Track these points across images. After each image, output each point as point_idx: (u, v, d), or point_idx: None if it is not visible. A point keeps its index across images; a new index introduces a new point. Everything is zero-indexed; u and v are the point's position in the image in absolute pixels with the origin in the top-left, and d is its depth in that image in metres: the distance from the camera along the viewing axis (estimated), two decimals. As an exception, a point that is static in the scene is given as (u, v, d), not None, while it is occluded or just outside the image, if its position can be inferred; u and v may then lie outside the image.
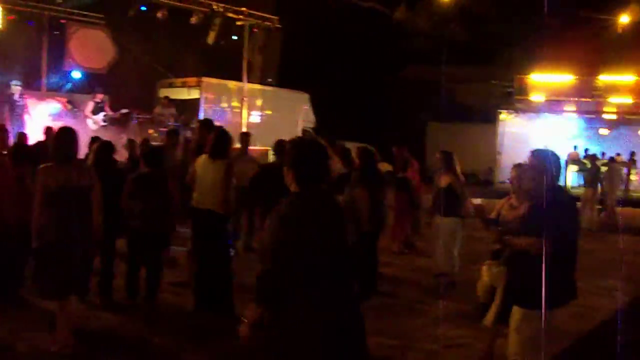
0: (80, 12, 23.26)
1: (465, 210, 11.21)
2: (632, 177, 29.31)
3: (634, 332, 8.89)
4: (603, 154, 30.51)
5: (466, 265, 13.35)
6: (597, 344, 8.21)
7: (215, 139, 9.14)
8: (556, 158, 6.15)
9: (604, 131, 34.26)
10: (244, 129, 21.00)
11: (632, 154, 30.95)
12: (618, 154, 30.06)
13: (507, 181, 10.59)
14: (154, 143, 16.17)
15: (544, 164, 5.95)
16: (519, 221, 6.18)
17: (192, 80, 24.21)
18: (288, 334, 4.31)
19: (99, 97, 20.81)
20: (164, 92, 23.66)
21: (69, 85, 23.87)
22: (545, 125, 33.59)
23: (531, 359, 5.89)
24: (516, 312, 5.98)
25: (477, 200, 6.43)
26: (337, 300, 4.33)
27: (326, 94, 30.98)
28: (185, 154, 13.15)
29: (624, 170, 28.03)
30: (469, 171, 35.64)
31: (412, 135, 32.50)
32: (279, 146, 10.82)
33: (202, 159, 9.07)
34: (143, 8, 22.67)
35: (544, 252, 5.63)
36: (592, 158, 24.03)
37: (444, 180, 11.25)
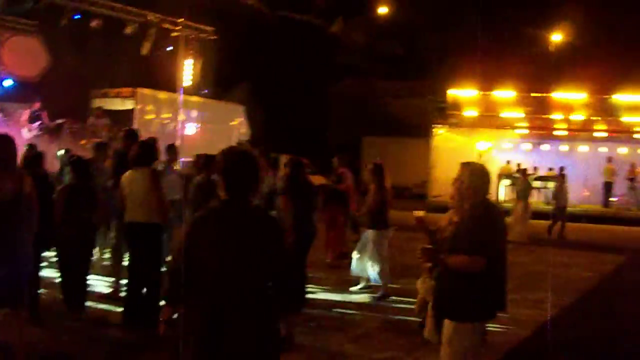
0: (14, 19, 22.84)
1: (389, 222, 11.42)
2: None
3: (562, 342, 9.08)
4: (535, 168, 31.13)
5: (397, 278, 13.52)
6: (526, 356, 8.32)
7: (137, 149, 9.07)
8: (484, 171, 6.15)
9: (537, 146, 34.88)
10: (178, 141, 20.87)
11: (562, 169, 31.54)
12: (535, 168, 30.75)
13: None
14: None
15: (471, 177, 5.95)
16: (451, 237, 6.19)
17: (126, 90, 23.98)
18: (185, 334, 4.38)
19: (36, 105, 20.45)
20: (97, 103, 23.41)
21: (0, 93, 23.40)
22: (479, 139, 34.11)
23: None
24: (447, 325, 5.93)
25: (420, 212, 6.38)
26: (236, 310, 4.34)
27: (261, 106, 30.96)
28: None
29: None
30: (403, 185, 36.07)
31: (348, 150, 32.61)
32: (202, 159, 10.82)
33: (127, 172, 8.96)
34: (77, 17, 22.37)
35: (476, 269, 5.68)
36: (523, 172, 24.40)
37: (371, 192, 11.39)
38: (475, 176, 5.95)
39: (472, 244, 5.70)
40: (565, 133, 33.15)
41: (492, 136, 34.18)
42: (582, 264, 16.62)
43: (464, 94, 31.88)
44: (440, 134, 33.53)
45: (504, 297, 6.04)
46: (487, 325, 6.20)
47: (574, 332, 9.95)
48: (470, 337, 5.86)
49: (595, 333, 10.01)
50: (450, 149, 34.23)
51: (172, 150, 13.45)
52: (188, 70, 26.03)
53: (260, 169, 4.90)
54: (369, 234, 11.49)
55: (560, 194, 21.67)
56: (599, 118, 31.36)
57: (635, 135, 32.74)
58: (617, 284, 14.86)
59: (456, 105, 31.35)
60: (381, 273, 11.20)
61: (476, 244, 5.69)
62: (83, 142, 20.61)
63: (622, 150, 33.66)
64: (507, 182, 29.47)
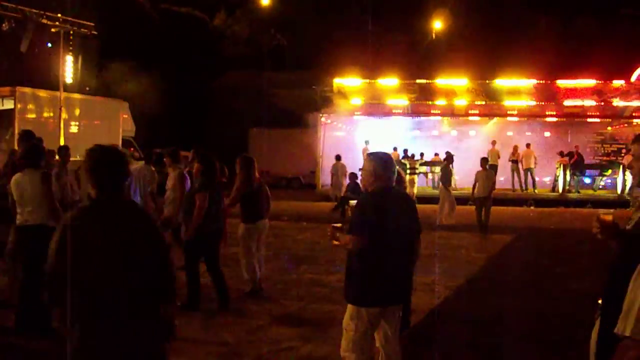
0: None
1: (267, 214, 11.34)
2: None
3: (454, 325, 9.23)
4: (421, 154, 31.62)
5: (291, 267, 13.51)
6: (420, 339, 8.41)
7: (24, 151, 8.83)
8: (387, 160, 6.20)
9: (425, 132, 35.45)
10: (62, 140, 20.27)
11: (448, 153, 32.10)
12: (422, 153, 31.34)
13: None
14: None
15: (374, 165, 6.07)
16: None
17: (5, 89, 23.10)
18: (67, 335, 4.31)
19: None
20: (-25, 103, 22.52)
21: None
22: (366, 128, 34.43)
23: (360, 356, 5.92)
24: (348, 309, 6.00)
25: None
26: (115, 307, 4.27)
27: (146, 101, 30.45)
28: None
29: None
30: (292, 175, 36.10)
31: (234, 142, 32.43)
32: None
33: (16, 175, 8.65)
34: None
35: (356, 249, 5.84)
36: (411, 158, 24.74)
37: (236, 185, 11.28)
38: (377, 164, 6.07)
39: (352, 223, 5.97)
40: (450, 118, 33.73)
41: (378, 124, 34.56)
42: (472, 245, 17.00)
43: (349, 82, 32.03)
44: (328, 123, 33.65)
45: (397, 285, 6.05)
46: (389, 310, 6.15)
47: (464, 313, 10.20)
48: (366, 322, 5.89)
49: (484, 312, 10.23)
50: (338, 138, 34.50)
51: (63, 151, 13.18)
52: (69, 67, 25.28)
53: (127, 163, 4.81)
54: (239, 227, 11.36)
55: (446, 177, 22.01)
56: (483, 102, 31.98)
57: (516, 118, 33.68)
58: (504, 263, 15.31)
59: (342, 94, 31.45)
60: (247, 267, 11.01)
61: (355, 223, 5.93)
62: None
63: (508, 133, 34.61)
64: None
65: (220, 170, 10.50)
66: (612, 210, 4.52)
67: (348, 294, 6.04)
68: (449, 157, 23.08)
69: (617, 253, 4.08)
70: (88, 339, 4.23)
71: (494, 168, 26.47)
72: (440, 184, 23.13)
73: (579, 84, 31.46)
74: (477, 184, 19.40)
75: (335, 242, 6.11)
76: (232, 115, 37.73)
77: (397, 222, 6.00)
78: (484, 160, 19.97)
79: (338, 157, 28.48)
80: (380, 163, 6.09)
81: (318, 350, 7.93)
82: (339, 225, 6.18)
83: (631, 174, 3.92)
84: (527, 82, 31.78)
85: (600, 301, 3.77)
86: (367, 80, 32.21)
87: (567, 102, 31.62)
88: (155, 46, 35.11)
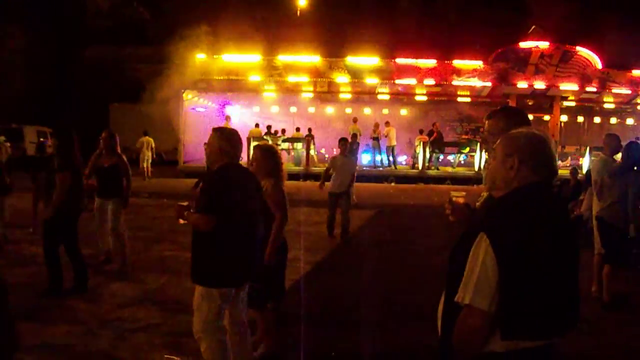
0: None
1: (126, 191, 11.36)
2: (312, 153, 30.67)
3: (317, 299, 9.29)
4: (283, 130, 31.80)
5: (151, 245, 13.31)
6: (280, 315, 8.42)
7: None
8: (233, 135, 6.13)
9: (285, 109, 35.56)
10: None
11: (309, 130, 32.45)
12: (283, 130, 31.60)
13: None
14: None
15: (220, 141, 6.00)
16: None
17: None
18: None
19: None
20: None
21: None
22: (228, 104, 34.26)
23: (213, 336, 5.86)
24: (196, 289, 5.90)
25: None
26: None
27: (3, 75, 29.29)
28: None
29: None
30: (155, 152, 35.45)
31: (95, 118, 31.66)
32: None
33: None
34: None
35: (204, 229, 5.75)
36: (274, 135, 24.70)
37: (107, 162, 11.07)
38: (223, 140, 6.00)
39: (201, 202, 5.81)
40: (311, 95, 33.91)
41: (240, 100, 34.45)
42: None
43: (212, 58, 31.69)
44: (190, 99, 33.29)
45: (248, 263, 6.01)
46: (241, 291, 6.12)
47: (325, 287, 10.32)
48: (215, 302, 5.81)
49: (343, 285, 10.47)
50: (201, 114, 34.18)
51: None
52: None
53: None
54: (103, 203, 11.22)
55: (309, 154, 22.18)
56: (346, 80, 32.28)
57: (379, 97, 34.20)
58: (365, 238, 15.56)
59: (205, 71, 31.10)
60: (101, 238, 11.07)
61: (204, 202, 5.78)
62: None
63: (367, 110, 35.16)
64: (254, 143, 29.84)
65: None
66: (463, 193, 4.65)
67: (197, 274, 5.90)
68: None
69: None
70: None
71: (356, 146, 26.88)
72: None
73: (435, 64, 32.22)
74: (332, 174, 15.41)
75: (182, 221, 5.96)
76: (92, 90, 36.76)
77: (246, 200, 5.97)
78: (342, 143, 15.77)
79: (145, 133, 29.75)
80: (227, 138, 6.04)
81: (181, 327, 7.80)
82: (185, 203, 5.99)
83: (485, 150, 4.07)
84: (390, 61, 32.29)
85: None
86: (230, 57, 31.96)
87: (427, 81, 32.27)
88: (9, 17, 33.73)
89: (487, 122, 4.66)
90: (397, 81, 32.21)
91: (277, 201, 6.86)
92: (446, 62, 32.24)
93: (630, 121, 37.37)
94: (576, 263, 3.37)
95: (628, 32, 35.10)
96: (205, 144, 6.14)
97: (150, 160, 29.38)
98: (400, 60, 32.28)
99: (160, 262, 11.84)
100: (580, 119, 38.04)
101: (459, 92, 33.24)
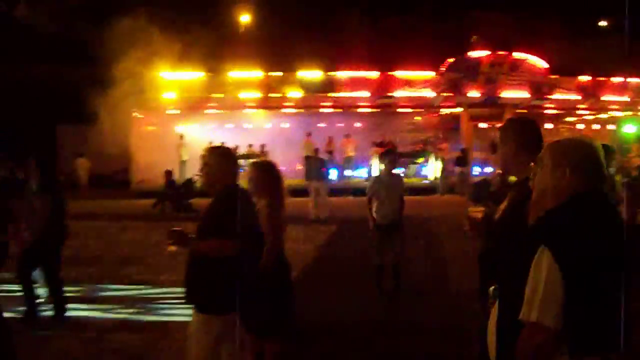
0: None
1: None
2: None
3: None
4: (236, 146, 31.51)
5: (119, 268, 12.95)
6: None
7: None
8: (231, 154, 6.00)
9: (239, 125, 35.23)
10: None
11: (262, 146, 32.30)
12: (237, 146, 31.43)
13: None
14: None
15: (219, 160, 5.75)
16: None
17: None
18: None
19: None
20: None
21: None
22: (179, 122, 33.87)
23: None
24: (194, 315, 5.59)
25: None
26: None
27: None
28: None
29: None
30: (104, 173, 34.86)
31: (41, 140, 31.06)
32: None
33: None
34: None
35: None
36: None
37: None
38: (225, 160, 5.80)
39: (222, 227, 5.42)
40: (257, 111, 33.78)
41: (192, 117, 34.09)
42: (300, 237, 16.89)
43: (161, 76, 31.31)
44: (140, 118, 32.84)
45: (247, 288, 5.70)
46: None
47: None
48: (206, 331, 5.50)
49: (317, 304, 10.07)
50: (151, 133, 33.71)
51: None
52: None
53: None
54: None
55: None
56: (299, 95, 32.18)
57: (330, 110, 34.15)
58: (331, 253, 15.53)
59: (154, 88, 30.68)
60: None
61: (229, 226, 5.39)
62: None
63: (321, 125, 35.02)
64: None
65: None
66: (481, 208, 4.54)
67: (198, 301, 5.56)
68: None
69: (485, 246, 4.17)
70: None
71: (311, 159, 26.72)
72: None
73: (392, 75, 32.32)
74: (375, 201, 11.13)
75: (174, 248, 5.53)
76: (38, 112, 36.01)
77: (252, 221, 5.72)
78: (387, 156, 11.96)
79: (80, 154, 30.74)
80: (227, 158, 5.85)
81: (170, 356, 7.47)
82: (179, 228, 5.55)
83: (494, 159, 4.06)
84: (341, 74, 32.31)
85: (491, 290, 3.82)
86: (180, 74, 31.65)
87: (377, 93, 32.36)
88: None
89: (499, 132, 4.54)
90: (348, 94, 32.25)
91: (270, 224, 6.30)
92: (389, 73, 32.46)
93: (580, 126, 37.93)
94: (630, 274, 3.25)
95: (572, 39, 35.78)
96: (205, 164, 5.73)
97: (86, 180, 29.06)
98: (348, 74, 32.38)
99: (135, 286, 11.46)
100: (534, 125, 38.47)
101: (410, 103, 33.36)
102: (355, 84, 32.39)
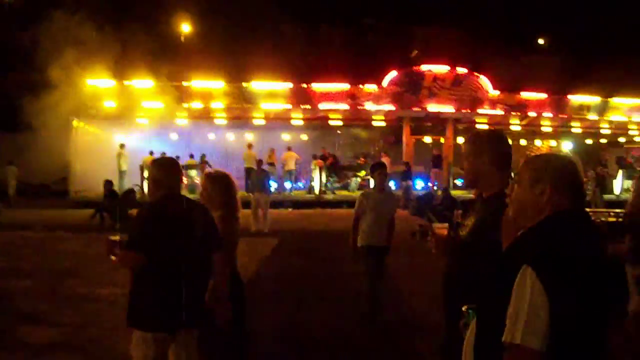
0: None
1: None
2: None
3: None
4: (177, 157, 31.10)
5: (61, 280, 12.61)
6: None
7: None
8: (172, 164, 5.73)
9: (182, 135, 34.88)
10: None
11: (203, 156, 32.09)
12: (177, 157, 31.07)
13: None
14: None
15: (156, 171, 5.57)
16: None
17: None
18: None
19: None
20: None
21: None
22: (119, 131, 33.35)
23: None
24: (133, 333, 5.30)
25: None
26: None
27: None
28: None
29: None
30: (42, 183, 34.15)
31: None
32: None
33: None
34: None
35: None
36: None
37: None
38: (156, 170, 5.59)
39: (130, 238, 5.29)
40: (210, 121, 33.65)
41: (132, 127, 33.57)
42: (242, 250, 16.61)
43: (102, 84, 30.82)
44: (79, 127, 32.26)
45: (187, 306, 5.39)
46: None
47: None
48: (150, 348, 5.22)
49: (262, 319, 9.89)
50: (90, 142, 33.11)
51: None
52: None
53: None
54: None
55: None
56: (239, 106, 32.04)
57: (261, 122, 34.04)
58: (276, 267, 15.30)
59: (94, 97, 30.21)
60: None
61: (133, 238, 5.27)
62: None
63: (264, 136, 34.85)
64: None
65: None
66: (445, 225, 4.45)
67: (131, 316, 5.33)
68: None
69: (450, 264, 4.33)
70: None
71: (251, 171, 26.52)
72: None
73: (333, 88, 32.29)
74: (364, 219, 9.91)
75: (113, 258, 5.36)
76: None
77: (175, 235, 5.33)
78: (377, 171, 10.03)
79: (10, 162, 30.43)
80: (161, 168, 5.59)
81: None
82: (116, 237, 5.37)
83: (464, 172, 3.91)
84: (283, 86, 32.21)
85: (465, 309, 3.64)
86: (120, 83, 31.21)
87: (322, 106, 32.29)
88: None
89: (465, 146, 4.51)
90: (291, 106, 32.27)
91: (223, 238, 5.96)
92: (309, 85, 32.62)
93: (523, 142, 38.52)
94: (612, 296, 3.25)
95: (516, 56, 36.35)
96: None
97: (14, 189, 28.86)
98: (317, 86, 32.54)
99: (73, 301, 11.03)
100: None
101: (353, 116, 33.47)
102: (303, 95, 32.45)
